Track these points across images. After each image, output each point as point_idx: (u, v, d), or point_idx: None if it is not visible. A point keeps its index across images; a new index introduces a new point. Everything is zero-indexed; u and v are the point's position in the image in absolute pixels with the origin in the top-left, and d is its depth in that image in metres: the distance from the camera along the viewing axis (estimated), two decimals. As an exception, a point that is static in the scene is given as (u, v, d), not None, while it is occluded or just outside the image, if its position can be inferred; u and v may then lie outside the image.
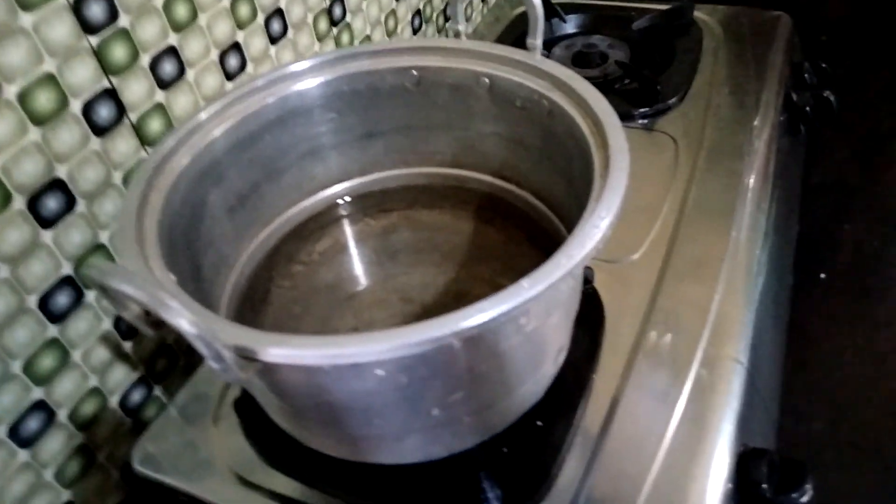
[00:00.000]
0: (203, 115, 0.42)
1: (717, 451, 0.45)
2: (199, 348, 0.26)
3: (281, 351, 0.28)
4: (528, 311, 0.33)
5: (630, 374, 0.50)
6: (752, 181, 0.64)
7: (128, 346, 0.57)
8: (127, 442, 0.57)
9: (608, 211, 0.32)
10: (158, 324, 0.31)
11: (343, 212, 0.55)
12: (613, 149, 0.35)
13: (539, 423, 0.46)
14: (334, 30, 0.75)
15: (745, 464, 0.45)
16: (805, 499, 0.44)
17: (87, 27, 0.47)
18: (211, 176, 0.44)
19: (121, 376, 0.57)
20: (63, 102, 0.47)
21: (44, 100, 0.45)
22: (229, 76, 0.61)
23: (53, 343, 0.50)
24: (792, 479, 0.45)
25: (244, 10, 0.61)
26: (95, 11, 0.47)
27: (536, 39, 0.44)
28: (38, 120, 0.45)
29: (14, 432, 0.48)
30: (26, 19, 0.43)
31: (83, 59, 0.47)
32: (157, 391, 0.61)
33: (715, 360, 0.50)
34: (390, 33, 0.86)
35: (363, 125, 0.51)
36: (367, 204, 0.55)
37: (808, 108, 0.76)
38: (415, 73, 0.48)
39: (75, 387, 0.53)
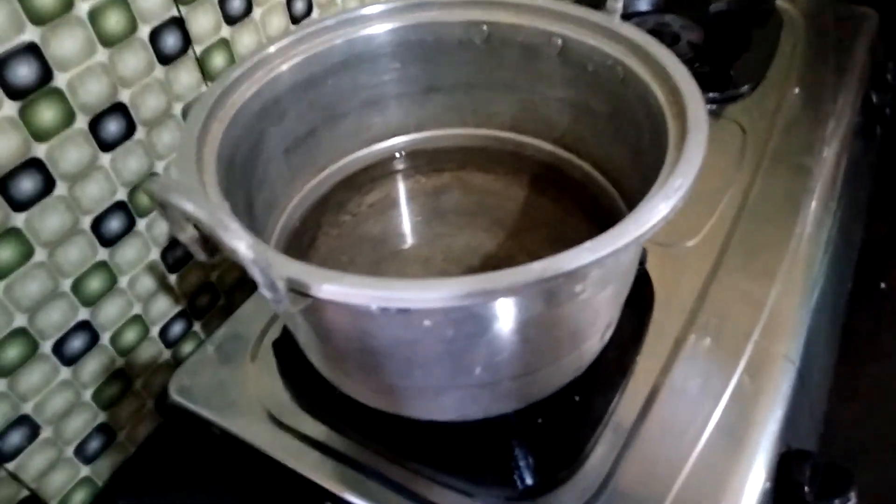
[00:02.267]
0: (272, 49, 0.41)
1: (760, 449, 0.43)
2: (255, 275, 0.26)
3: (334, 288, 0.28)
4: (585, 277, 0.32)
5: (675, 361, 0.48)
6: (821, 180, 0.61)
7: (172, 278, 0.57)
8: (163, 373, 0.58)
9: (684, 181, 0.30)
10: (213, 249, 0.31)
11: (396, 166, 0.54)
12: (692, 119, 0.33)
13: (577, 398, 0.45)
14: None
15: (788, 464, 0.44)
16: (847, 507, 0.42)
17: (163, -48, 0.47)
18: (271, 113, 0.43)
19: (163, 307, 0.57)
20: (132, 26, 0.46)
21: (113, 21, 0.45)
22: (295, 19, 0.60)
23: (102, 266, 0.51)
24: (835, 485, 0.43)
25: (316, -46, 0.60)
26: (172, -63, 0.47)
27: (617, 2, 0.42)
28: (107, 41, 0.45)
29: (58, 349, 0.49)
30: (104, -63, 0.43)
31: (156, -16, 0.47)
32: (196, 327, 0.62)
33: (765, 357, 0.48)
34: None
35: (425, 78, 0.50)
36: (421, 161, 0.54)
37: (887, 110, 0.72)
38: (485, 28, 0.46)
39: (119, 312, 0.53)
